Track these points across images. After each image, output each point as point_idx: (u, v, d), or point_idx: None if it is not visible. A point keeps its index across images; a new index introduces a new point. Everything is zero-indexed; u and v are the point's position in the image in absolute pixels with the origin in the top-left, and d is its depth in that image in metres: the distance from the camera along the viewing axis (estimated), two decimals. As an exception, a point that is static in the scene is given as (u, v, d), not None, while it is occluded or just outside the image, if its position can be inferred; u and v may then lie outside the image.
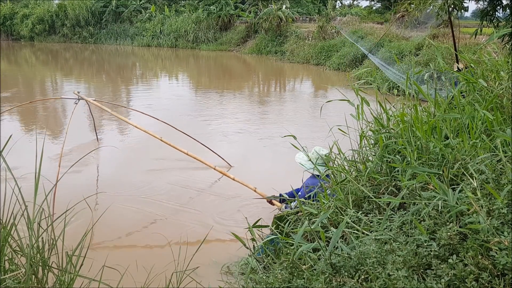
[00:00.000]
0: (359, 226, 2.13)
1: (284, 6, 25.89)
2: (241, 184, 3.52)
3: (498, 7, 4.59)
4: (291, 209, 3.23)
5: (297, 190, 3.53)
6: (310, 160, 3.21)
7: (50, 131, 8.54)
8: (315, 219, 2.40)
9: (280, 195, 3.57)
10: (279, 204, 3.50)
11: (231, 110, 10.84)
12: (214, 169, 3.66)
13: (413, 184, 2.11)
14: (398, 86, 9.63)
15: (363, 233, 2.06)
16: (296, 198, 2.77)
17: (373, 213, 2.31)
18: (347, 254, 1.90)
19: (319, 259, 1.99)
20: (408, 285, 1.60)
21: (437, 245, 1.71)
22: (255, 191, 3.53)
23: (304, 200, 2.95)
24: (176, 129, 5.62)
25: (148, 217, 4.65)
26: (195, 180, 5.81)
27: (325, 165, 3.12)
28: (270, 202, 3.52)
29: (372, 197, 2.30)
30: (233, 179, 3.58)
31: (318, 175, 3.09)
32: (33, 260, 1.74)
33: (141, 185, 5.62)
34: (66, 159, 6.38)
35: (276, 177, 5.63)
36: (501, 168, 2.05)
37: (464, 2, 5.19)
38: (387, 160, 2.59)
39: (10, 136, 1.93)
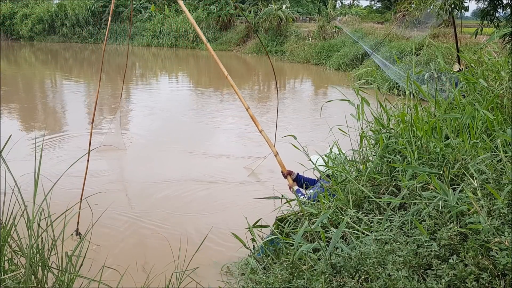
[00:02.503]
0: (360, 226, 2.12)
1: (284, 6, 25.89)
2: (266, 141, 3.55)
3: (499, 7, 4.59)
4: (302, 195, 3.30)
5: (313, 181, 3.55)
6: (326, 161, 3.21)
7: (49, 131, 8.54)
8: (315, 219, 2.39)
9: (298, 174, 3.60)
10: (291, 182, 3.53)
11: (231, 109, 10.84)
12: (247, 110, 3.66)
13: (414, 184, 2.11)
14: (399, 86, 9.63)
15: (363, 233, 2.06)
16: (297, 198, 2.76)
17: (374, 213, 2.30)
18: (348, 254, 1.90)
19: (319, 259, 1.99)
20: (409, 285, 1.59)
21: (437, 245, 1.71)
22: (276, 156, 3.55)
23: (305, 200, 2.94)
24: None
25: (148, 217, 4.65)
26: (195, 180, 5.81)
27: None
28: (285, 177, 3.56)
29: (373, 197, 2.29)
30: (261, 132, 3.60)
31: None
32: (33, 260, 1.74)
33: (141, 184, 5.63)
34: (68, 157, 6.38)
35: (276, 175, 5.63)
36: (501, 168, 2.05)
37: (465, 2, 5.18)
38: (387, 160, 2.59)
39: (10, 136, 1.92)
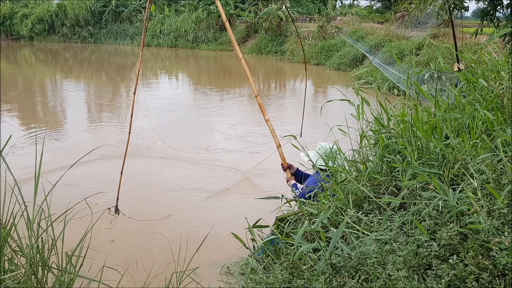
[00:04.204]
0: (360, 226, 2.12)
1: (284, 6, 25.88)
2: (270, 131, 3.59)
3: (499, 7, 4.58)
4: (297, 189, 3.36)
5: (305, 175, 3.59)
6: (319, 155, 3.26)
7: (50, 130, 8.54)
8: (315, 219, 2.39)
9: (298, 169, 3.65)
10: (289, 175, 3.57)
11: (231, 110, 10.85)
12: (256, 97, 3.73)
13: (414, 184, 2.11)
14: (399, 86, 9.63)
15: (363, 233, 2.06)
16: (297, 198, 2.77)
17: (374, 213, 2.30)
18: (348, 254, 1.90)
19: (319, 259, 1.99)
20: (409, 285, 1.59)
21: (437, 245, 1.71)
22: (278, 148, 3.58)
23: (305, 200, 2.95)
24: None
25: (148, 217, 4.65)
26: (195, 180, 5.81)
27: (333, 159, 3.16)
28: (284, 170, 3.60)
29: (373, 197, 2.29)
30: (266, 121, 3.65)
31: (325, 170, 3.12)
32: (33, 260, 1.74)
33: (141, 184, 5.62)
34: (68, 156, 6.37)
35: (277, 174, 5.62)
36: (501, 168, 2.05)
37: (465, 2, 5.18)
38: (387, 160, 2.58)
39: (10, 136, 1.92)
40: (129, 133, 4.37)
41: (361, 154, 2.94)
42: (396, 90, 9.24)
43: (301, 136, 3.68)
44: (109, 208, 3.97)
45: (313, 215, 2.53)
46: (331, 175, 2.91)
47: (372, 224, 2.11)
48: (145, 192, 5.37)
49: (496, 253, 1.53)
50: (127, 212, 4.74)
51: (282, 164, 3.59)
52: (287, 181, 3.55)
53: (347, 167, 3.02)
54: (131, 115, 4.43)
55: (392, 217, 2.08)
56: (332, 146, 3.22)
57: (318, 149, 3.42)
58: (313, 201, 2.82)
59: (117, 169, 6.35)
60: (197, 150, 7.17)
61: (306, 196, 3.07)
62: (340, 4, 37.10)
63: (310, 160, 3.19)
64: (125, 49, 31.43)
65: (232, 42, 3.83)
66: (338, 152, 3.25)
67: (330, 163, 3.07)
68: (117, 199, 4.01)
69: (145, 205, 4.99)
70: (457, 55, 5.62)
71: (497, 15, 4.61)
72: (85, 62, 24.34)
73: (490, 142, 2.32)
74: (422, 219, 1.95)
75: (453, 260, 1.59)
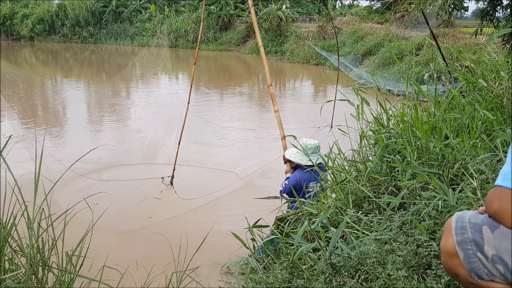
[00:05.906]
0: (359, 226, 2.13)
1: (284, 6, 25.88)
2: (277, 122, 3.72)
3: (498, 7, 4.59)
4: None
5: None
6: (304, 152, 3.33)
7: (50, 129, 8.55)
8: (315, 219, 2.40)
9: (297, 164, 3.67)
10: (289, 168, 3.63)
11: (231, 110, 10.86)
12: (269, 86, 3.84)
13: (413, 184, 2.11)
14: (398, 86, 9.63)
15: (363, 233, 2.06)
16: (297, 199, 2.77)
17: (373, 213, 2.30)
18: (347, 254, 1.90)
19: (319, 259, 1.99)
20: (408, 285, 1.59)
21: (437, 245, 1.71)
22: (282, 139, 3.63)
23: (304, 200, 2.95)
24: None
25: (148, 217, 4.66)
26: (195, 179, 5.81)
27: (314, 155, 3.24)
28: (285, 162, 3.67)
29: (372, 197, 2.29)
30: (275, 112, 3.73)
31: (308, 166, 3.18)
32: (33, 260, 1.74)
33: (141, 183, 5.62)
34: (68, 155, 6.38)
35: (276, 174, 5.63)
36: (501, 168, 2.05)
37: (464, 2, 5.19)
38: (387, 160, 2.59)
39: (10, 136, 1.92)
40: (188, 103, 4.81)
41: (361, 154, 2.95)
42: (396, 90, 9.23)
43: (331, 127, 3.74)
44: (163, 178, 4.06)
45: (313, 215, 2.53)
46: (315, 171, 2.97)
47: (372, 224, 2.12)
48: (144, 192, 5.37)
49: (496, 252, 1.53)
50: (126, 212, 4.76)
51: (283, 156, 3.64)
52: (286, 173, 3.60)
53: (347, 167, 3.03)
54: (191, 86, 4.87)
55: (392, 217, 2.09)
56: (332, 146, 3.23)
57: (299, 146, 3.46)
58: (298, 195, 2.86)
59: (117, 168, 6.37)
60: (196, 150, 7.18)
61: (297, 190, 3.15)
62: (340, 5, 37.12)
63: (309, 158, 3.20)
64: (125, 49, 31.45)
65: (254, 28, 4.06)
66: (318, 149, 3.39)
67: (313, 159, 3.15)
68: (173, 170, 4.09)
69: (144, 205, 4.99)
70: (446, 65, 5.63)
71: (496, 15, 4.61)
72: (85, 62, 24.35)
73: (490, 142, 2.33)
74: (421, 219, 1.96)
75: (452, 260, 1.59)
